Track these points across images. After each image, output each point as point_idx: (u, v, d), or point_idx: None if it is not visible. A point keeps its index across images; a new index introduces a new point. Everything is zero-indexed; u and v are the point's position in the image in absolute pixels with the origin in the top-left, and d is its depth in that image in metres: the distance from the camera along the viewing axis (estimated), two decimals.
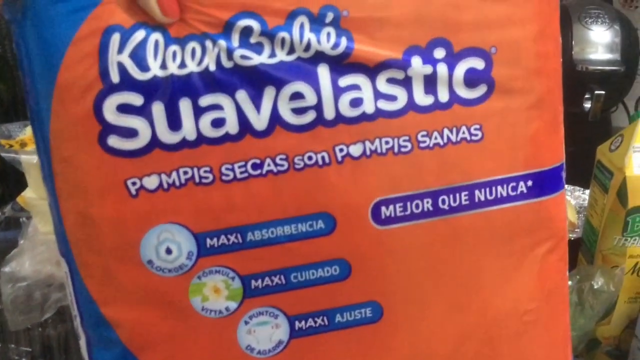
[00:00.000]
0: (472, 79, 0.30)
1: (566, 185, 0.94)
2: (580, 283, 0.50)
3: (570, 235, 0.71)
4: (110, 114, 0.28)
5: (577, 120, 0.79)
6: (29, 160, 0.58)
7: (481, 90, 0.30)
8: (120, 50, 0.28)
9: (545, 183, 0.32)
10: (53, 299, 0.51)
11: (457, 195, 0.31)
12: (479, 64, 0.30)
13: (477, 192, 0.31)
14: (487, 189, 0.31)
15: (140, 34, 0.28)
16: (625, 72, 0.75)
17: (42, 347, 0.55)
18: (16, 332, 0.55)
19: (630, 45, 0.78)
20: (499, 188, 0.31)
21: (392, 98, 0.29)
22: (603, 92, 0.73)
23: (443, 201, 0.30)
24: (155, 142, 0.29)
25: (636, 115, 0.63)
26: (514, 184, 0.31)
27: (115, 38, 0.28)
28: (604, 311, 0.50)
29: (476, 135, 0.30)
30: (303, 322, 0.31)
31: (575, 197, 0.86)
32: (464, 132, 0.30)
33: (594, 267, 0.53)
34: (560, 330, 0.34)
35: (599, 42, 0.76)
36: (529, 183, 0.31)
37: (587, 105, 0.75)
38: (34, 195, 0.59)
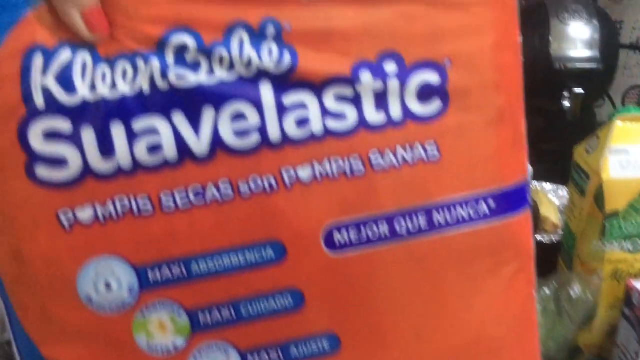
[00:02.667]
0: (425, 93, 0.28)
1: (549, 185, 0.90)
2: (558, 291, 0.48)
3: (553, 237, 0.69)
4: (36, 141, 0.26)
5: (559, 116, 0.77)
6: None
7: (436, 105, 0.28)
8: (45, 72, 0.26)
9: (508, 202, 0.30)
10: None
11: (415, 218, 0.29)
12: (432, 77, 0.28)
13: (435, 214, 0.29)
14: (447, 211, 0.29)
15: (65, 54, 0.26)
16: (605, 69, 0.73)
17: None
18: None
19: (610, 41, 0.76)
20: (459, 209, 0.29)
21: (341, 116, 0.27)
22: (582, 91, 0.70)
23: (400, 225, 0.29)
24: (87, 171, 0.27)
25: (621, 110, 0.61)
26: (474, 204, 0.29)
27: (38, 59, 0.26)
28: (583, 319, 0.49)
29: (433, 154, 0.28)
30: (256, 357, 0.29)
31: (559, 196, 0.84)
32: (419, 151, 0.28)
33: (572, 274, 0.51)
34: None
35: (578, 39, 0.74)
36: (491, 202, 0.29)
37: (567, 103, 0.73)
38: None
